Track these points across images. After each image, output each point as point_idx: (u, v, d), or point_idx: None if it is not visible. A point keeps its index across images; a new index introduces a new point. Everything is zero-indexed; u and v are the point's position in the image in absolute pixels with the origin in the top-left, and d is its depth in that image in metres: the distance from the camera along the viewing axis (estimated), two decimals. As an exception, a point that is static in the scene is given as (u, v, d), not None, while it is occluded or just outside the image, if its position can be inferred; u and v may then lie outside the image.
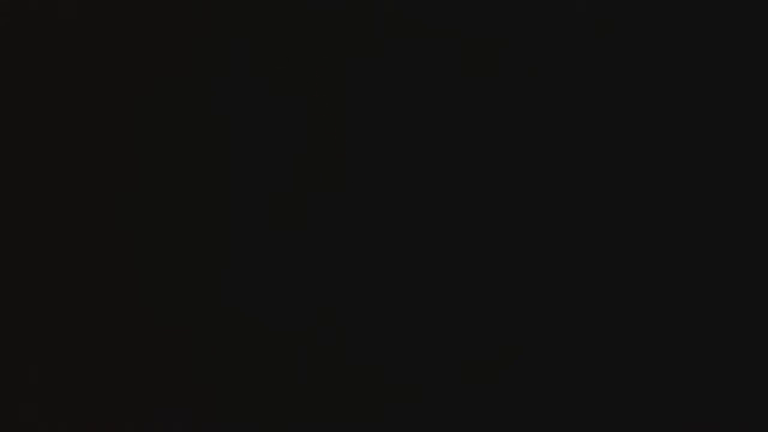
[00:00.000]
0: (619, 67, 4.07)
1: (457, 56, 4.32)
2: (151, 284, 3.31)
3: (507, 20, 4.10)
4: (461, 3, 4.10)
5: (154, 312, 3.27)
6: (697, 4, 3.77)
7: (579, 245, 4.20)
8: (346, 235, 3.55)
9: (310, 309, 3.27)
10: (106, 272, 3.33)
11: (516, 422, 3.06)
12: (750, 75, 3.78)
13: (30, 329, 3.10)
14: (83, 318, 3.18)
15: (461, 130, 4.41)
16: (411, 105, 4.39)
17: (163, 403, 2.91)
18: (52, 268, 3.38)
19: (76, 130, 3.74)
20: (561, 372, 3.38)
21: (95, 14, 3.68)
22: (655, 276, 3.93)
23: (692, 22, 3.85)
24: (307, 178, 3.84)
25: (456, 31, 4.20)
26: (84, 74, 3.87)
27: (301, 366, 3.03)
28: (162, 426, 2.80)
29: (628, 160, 4.14)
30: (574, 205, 4.25)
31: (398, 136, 4.31)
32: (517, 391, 3.26)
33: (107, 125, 3.80)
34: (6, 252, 3.24)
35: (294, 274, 3.33)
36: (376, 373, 3.04)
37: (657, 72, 4.03)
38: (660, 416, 3.11)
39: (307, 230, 3.90)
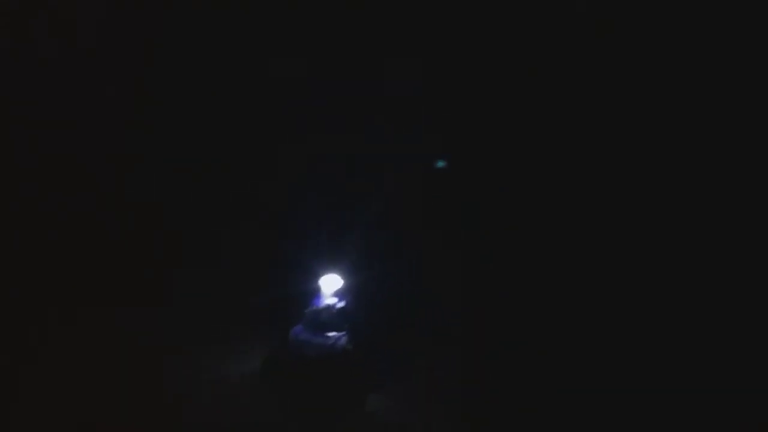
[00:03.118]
0: (617, 67, 4.01)
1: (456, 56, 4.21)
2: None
3: (507, 20, 4.03)
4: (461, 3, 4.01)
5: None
6: (697, 5, 3.69)
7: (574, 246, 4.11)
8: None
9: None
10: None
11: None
12: (749, 76, 3.73)
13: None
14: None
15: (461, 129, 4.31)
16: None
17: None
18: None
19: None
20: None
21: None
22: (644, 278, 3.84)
23: (691, 23, 3.79)
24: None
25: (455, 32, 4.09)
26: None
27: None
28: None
29: (626, 160, 4.06)
30: (573, 205, 4.18)
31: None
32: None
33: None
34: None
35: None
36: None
37: (655, 72, 3.95)
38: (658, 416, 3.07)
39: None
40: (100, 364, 3.60)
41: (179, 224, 4.33)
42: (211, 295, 4.31)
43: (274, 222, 4.39)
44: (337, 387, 3.75)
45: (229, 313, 4.28)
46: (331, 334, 3.87)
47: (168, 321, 4.16)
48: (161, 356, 3.85)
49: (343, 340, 3.88)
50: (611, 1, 3.79)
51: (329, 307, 3.93)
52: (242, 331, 4.24)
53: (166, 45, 4.17)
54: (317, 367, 3.79)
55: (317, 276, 4.05)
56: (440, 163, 4.04)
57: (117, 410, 3.34)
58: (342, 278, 4.03)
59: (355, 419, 3.66)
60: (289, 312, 4.05)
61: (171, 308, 4.22)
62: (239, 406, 3.62)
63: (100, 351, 3.69)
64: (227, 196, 4.34)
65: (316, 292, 4.04)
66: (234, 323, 4.26)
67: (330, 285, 4.03)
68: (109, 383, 3.48)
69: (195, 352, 4.03)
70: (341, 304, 3.97)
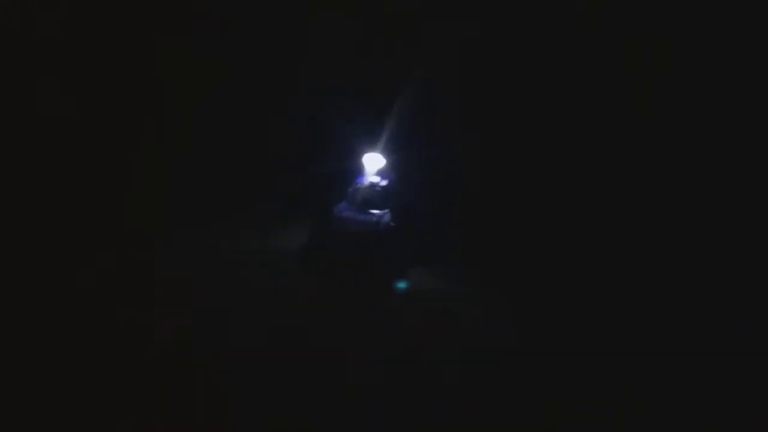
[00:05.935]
0: (615, 67, 3.99)
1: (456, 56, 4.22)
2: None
3: (507, 20, 4.02)
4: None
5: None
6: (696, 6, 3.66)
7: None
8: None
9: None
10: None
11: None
12: (749, 76, 3.71)
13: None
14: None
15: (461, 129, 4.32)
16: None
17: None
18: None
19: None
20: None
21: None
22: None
23: (691, 24, 3.76)
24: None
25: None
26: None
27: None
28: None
29: (626, 159, 4.05)
30: (573, 206, 4.18)
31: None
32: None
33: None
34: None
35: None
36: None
37: (655, 73, 3.92)
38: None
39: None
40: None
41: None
42: (258, 178, 4.36)
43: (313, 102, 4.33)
44: (380, 260, 3.85)
45: (274, 193, 4.34)
46: (374, 211, 3.91)
47: (215, 203, 4.23)
48: (216, 239, 3.97)
49: (386, 217, 3.94)
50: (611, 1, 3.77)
51: (373, 186, 3.95)
52: (288, 210, 4.33)
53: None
54: (361, 241, 3.86)
55: (359, 154, 4.04)
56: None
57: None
58: (384, 158, 4.03)
59: (396, 289, 3.84)
60: (333, 190, 4.10)
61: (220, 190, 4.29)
62: (287, 279, 3.73)
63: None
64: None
65: (359, 171, 4.03)
66: (279, 202, 4.34)
67: (373, 164, 4.03)
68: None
69: (245, 230, 4.12)
70: (384, 183, 3.99)
